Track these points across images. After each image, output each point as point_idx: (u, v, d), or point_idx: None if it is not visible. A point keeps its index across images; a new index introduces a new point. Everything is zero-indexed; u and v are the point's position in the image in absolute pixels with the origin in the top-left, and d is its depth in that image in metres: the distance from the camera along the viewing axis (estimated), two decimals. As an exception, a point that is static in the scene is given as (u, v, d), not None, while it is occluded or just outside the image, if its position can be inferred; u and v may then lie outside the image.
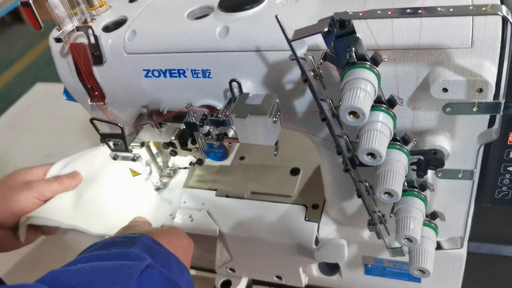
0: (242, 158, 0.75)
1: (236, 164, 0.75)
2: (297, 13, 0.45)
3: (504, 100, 0.37)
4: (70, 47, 0.53)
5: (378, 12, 0.35)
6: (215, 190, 0.70)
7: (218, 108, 0.51)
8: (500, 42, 0.38)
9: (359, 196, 0.49)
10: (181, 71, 0.50)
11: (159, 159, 0.71)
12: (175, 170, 0.73)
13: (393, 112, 0.41)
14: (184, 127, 0.62)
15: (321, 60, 0.40)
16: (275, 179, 0.70)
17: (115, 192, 0.69)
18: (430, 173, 0.47)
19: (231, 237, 0.65)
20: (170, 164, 0.73)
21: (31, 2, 0.50)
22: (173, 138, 0.64)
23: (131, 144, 0.58)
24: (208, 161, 0.70)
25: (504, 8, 0.33)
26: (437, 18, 0.39)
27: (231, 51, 0.47)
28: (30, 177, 0.66)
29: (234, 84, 0.47)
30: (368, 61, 0.38)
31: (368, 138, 0.39)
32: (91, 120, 0.55)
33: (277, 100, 0.45)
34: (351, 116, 0.36)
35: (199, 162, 0.68)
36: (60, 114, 1.17)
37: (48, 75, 2.73)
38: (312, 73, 0.41)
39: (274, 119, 0.44)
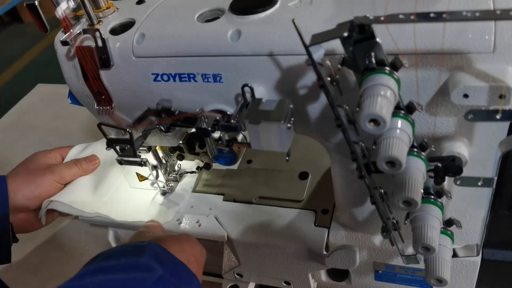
0: (249, 161, 0.74)
1: (243, 168, 0.73)
2: (311, 16, 0.44)
3: (528, 107, 0.36)
4: (77, 50, 0.52)
5: (400, 16, 0.34)
6: (223, 194, 0.69)
7: (228, 113, 0.50)
8: (524, 47, 0.37)
9: (373, 202, 0.47)
10: (191, 75, 0.49)
11: (165, 163, 0.70)
12: (181, 174, 0.72)
13: (411, 119, 0.40)
14: (192, 131, 0.61)
15: (339, 65, 0.39)
16: (283, 184, 0.68)
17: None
18: (446, 179, 0.46)
19: (239, 243, 0.64)
20: (176, 168, 0.71)
21: (37, 3, 0.48)
22: (180, 142, 0.62)
23: (138, 148, 0.57)
24: (215, 165, 0.69)
25: (532, 12, 0.31)
26: (457, 22, 0.38)
27: (243, 55, 0.46)
28: (50, 161, 0.68)
29: (247, 89, 0.46)
30: (388, 67, 0.37)
31: (387, 146, 0.37)
32: (99, 126, 0.53)
33: (291, 106, 0.44)
34: (372, 123, 0.35)
35: (207, 166, 0.67)
36: (63, 114, 1.15)
37: (48, 75, 2.72)
38: (328, 79, 0.39)
39: (288, 125, 0.43)
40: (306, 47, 0.37)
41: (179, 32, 0.49)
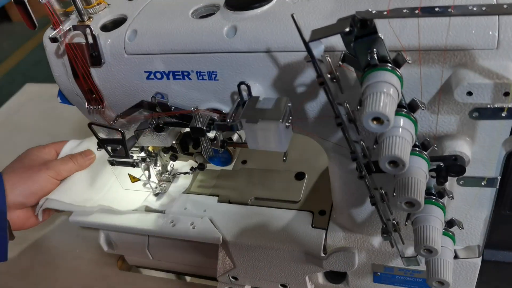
0: (244, 162, 0.73)
1: (238, 168, 0.72)
2: (310, 11, 0.43)
3: (534, 105, 0.35)
4: (66, 47, 0.50)
5: (404, 11, 0.33)
6: (217, 196, 0.67)
7: (224, 112, 0.48)
8: (529, 43, 0.36)
9: (373, 203, 0.46)
10: (186, 73, 0.47)
11: (158, 163, 0.68)
12: (174, 175, 0.70)
13: (414, 117, 0.39)
14: (186, 130, 0.60)
15: (339, 62, 0.38)
16: (279, 184, 0.67)
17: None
18: (448, 179, 0.45)
19: (234, 245, 0.62)
20: (169, 168, 0.70)
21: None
22: (174, 142, 0.61)
23: (131, 149, 0.55)
24: (209, 166, 0.67)
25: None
26: (460, 17, 0.37)
27: (239, 52, 0.45)
28: (45, 156, 0.68)
29: (243, 87, 0.45)
30: (390, 63, 0.36)
31: (389, 145, 0.36)
32: (90, 125, 0.52)
33: (289, 104, 0.42)
34: (375, 122, 0.34)
35: (201, 167, 0.65)
36: (53, 114, 1.13)
37: (37, 75, 2.69)
38: (328, 76, 0.38)
39: (286, 124, 0.42)
40: (306, 43, 0.36)
41: (172, 28, 0.47)
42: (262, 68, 0.45)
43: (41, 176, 0.64)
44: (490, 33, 0.37)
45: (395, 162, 0.36)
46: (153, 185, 0.68)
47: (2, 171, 0.64)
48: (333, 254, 0.56)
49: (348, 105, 0.39)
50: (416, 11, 0.32)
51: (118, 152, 0.54)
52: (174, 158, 0.66)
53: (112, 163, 0.60)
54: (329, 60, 0.38)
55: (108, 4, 0.53)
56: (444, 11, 0.32)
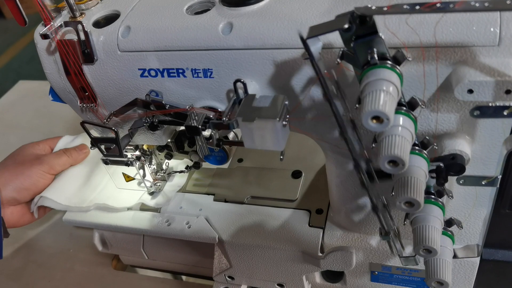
0: (240, 160, 0.72)
1: (234, 167, 0.71)
2: (307, 8, 0.42)
3: (537, 103, 0.34)
4: (58, 44, 0.49)
5: (404, 7, 0.32)
6: (213, 194, 0.66)
7: (220, 110, 0.48)
8: (531, 39, 0.35)
9: (375, 212, 0.45)
10: (180, 71, 0.46)
11: (153, 162, 0.67)
12: (170, 174, 0.69)
13: (414, 115, 0.38)
14: (181, 129, 0.59)
15: (338, 60, 0.37)
16: (276, 183, 0.66)
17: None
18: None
19: (230, 244, 0.61)
20: (164, 167, 0.69)
21: (15, -5, 0.45)
22: (169, 140, 0.60)
23: (125, 148, 0.54)
24: (205, 164, 0.66)
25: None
26: (461, 14, 0.36)
27: (235, 49, 0.44)
28: (38, 152, 0.67)
29: (239, 84, 0.44)
30: (390, 61, 0.35)
31: (389, 144, 0.35)
32: (82, 124, 0.51)
33: (286, 102, 0.41)
34: (374, 121, 0.33)
35: (196, 165, 0.64)
36: (46, 112, 1.12)
37: (30, 72, 2.66)
38: (326, 73, 0.37)
39: (283, 122, 0.41)
40: (304, 40, 0.35)
41: (167, 24, 0.46)
42: (258, 65, 0.44)
43: (33, 171, 0.63)
44: (492, 29, 0.36)
45: (395, 162, 0.35)
46: (148, 184, 0.67)
47: None
48: (331, 254, 0.56)
49: (346, 104, 0.39)
50: (417, 7, 0.31)
51: (112, 151, 0.53)
52: (169, 156, 0.65)
53: (106, 162, 0.59)
54: (328, 57, 0.37)
55: (101, 0, 0.52)
56: (445, 7, 0.31)
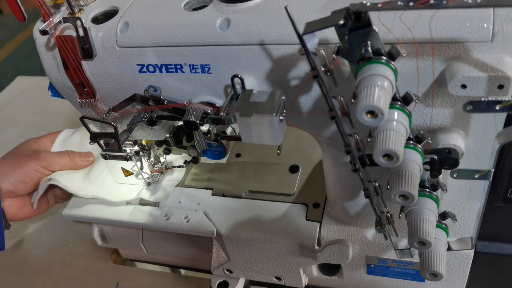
0: (238, 155, 0.73)
1: (232, 161, 0.72)
2: (304, 3, 0.42)
3: (528, 98, 0.35)
4: (57, 39, 0.49)
5: (399, 3, 0.32)
6: (211, 189, 0.67)
7: (217, 105, 0.48)
8: (523, 35, 0.35)
9: (367, 196, 0.46)
10: (178, 66, 0.47)
11: (151, 156, 0.68)
12: (167, 168, 0.70)
13: (408, 110, 0.39)
14: (179, 124, 0.59)
15: (334, 55, 0.37)
16: (273, 177, 0.67)
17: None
18: (442, 172, 0.45)
19: (228, 238, 0.62)
20: (162, 160, 0.69)
21: (14, -10, 0.46)
22: (167, 135, 0.60)
23: (124, 142, 0.55)
24: (203, 159, 0.67)
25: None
26: (455, 10, 0.37)
27: (232, 45, 0.44)
28: (39, 147, 0.68)
29: (237, 80, 0.44)
30: (385, 56, 0.36)
31: (383, 138, 0.36)
32: (81, 119, 0.51)
33: (283, 97, 0.42)
34: (369, 115, 0.34)
35: (194, 160, 0.65)
36: (44, 107, 1.12)
37: (28, 67, 2.66)
38: (322, 69, 0.38)
39: (280, 117, 0.41)
40: (300, 36, 0.36)
41: (165, 21, 0.47)
42: (255, 61, 0.44)
43: (29, 165, 0.63)
44: (485, 25, 0.37)
45: (389, 156, 0.36)
46: (145, 176, 0.67)
47: None
48: (327, 247, 0.56)
49: (342, 99, 0.39)
50: (411, 3, 0.32)
51: (111, 146, 0.54)
52: (167, 151, 0.66)
53: (105, 157, 0.59)
54: (323, 53, 0.37)
55: (99, -4, 0.53)
56: (439, 3, 0.31)
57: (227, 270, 0.68)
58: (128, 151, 0.61)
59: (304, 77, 0.43)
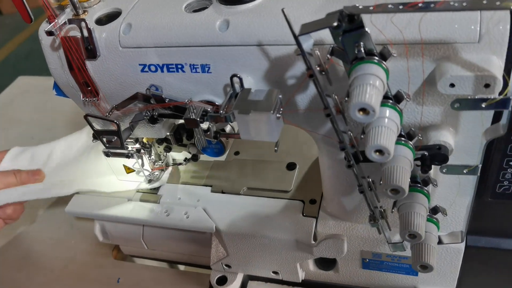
0: (237, 153, 0.74)
1: (231, 159, 0.74)
2: (301, 6, 0.44)
3: (512, 96, 0.37)
4: (62, 40, 0.51)
5: (389, 6, 0.34)
6: (210, 186, 0.69)
7: (217, 103, 0.50)
8: (508, 36, 0.37)
9: (361, 191, 0.48)
10: (179, 66, 0.49)
11: (152, 153, 0.69)
12: (168, 165, 0.71)
13: (399, 108, 0.40)
14: (179, 122, 0.61)
15: (328, 55, 0.39)
16: (271, 174, 0.69)
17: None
18: (432, 168, 0.46)
19: (227, 234, 0.64)
20: (162, 157, 0.71)
21: (21, -8, 0.47)
22: (168, 133, 0.62)
23: (126, 140, 0.57)
24: (202, 157, 0.68)
25: (517, 2, 0.32)
26: (444, 12, 0.39)
27: (231, 45, 0.46)
28: None
29: (235, 79, 0.46)
30: (377, 56, 0.37)
31: (375, 134, 0.38)
32: (86, 117, 0.53)
33: (280, 96, 0.44)
34: (361, 112, 0.35)
35: (194, 158, 0.66)
36: (46, 107, 1.14)
37: (28, 67, 2.67)
38: (318, 68, 0.40)
39: (277, 115, 0.43)
40: (296, 37, 0.37)
41: (166, 22, 0.48)
42: (254, 61, 0.46)
43: None
44: (472, 27, 0.38)
45: (381, 151, 0.38)
46: (146, 173, 0.69)
47: None
48: (323, 241, 0.58)
49: (336, 97, 0.41)
50: (401, 7, 0.34)
51: (113, 143, 0.56)
52: (168, 149, 0.67)
53: (107, 155, 0.61)
54: (318, 53, 0.39)
55: (103, -2, 0.54)
56: (427, 7, 0.33)
57: (226, 265, 0.69)
58: (129, 148, 0.62)
59: (300, 76, 0.45)
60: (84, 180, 0.69)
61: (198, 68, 0.48)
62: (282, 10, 0.37)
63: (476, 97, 0.38)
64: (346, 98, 0.39)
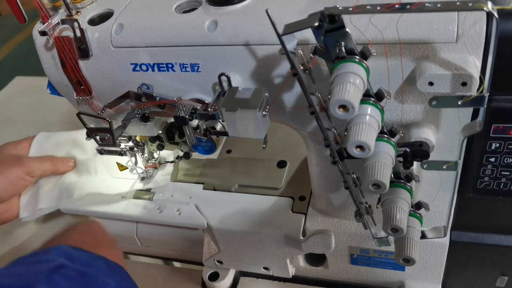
0: (229, 151, 0.76)
1: (223, 157, 0.75)
2: (286, 7, 0.45)
3: (488, 94, 0.38)
4: (55, 40, 0.52)
5: (368, 7, 0.35)
6: (203, 183, 0.70)
7: (206, 102, 0.51)
8: (484, 37, 0.39)
9: (347, 187, 0.49)
10: (170, 65, 0.50)
11: (145, 151, 0.71)
12: (161, 163, 0.73)
13: (381, 105, 0.42)
14: (171, 121, 0.62)
15: (311, 55, 0.41)
16: (262, 172, 0.70)
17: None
18: (415, 164, 0.48)
19: (218, 230, 0.65)
20: (155, 155, 0.72)
21: (15, -7, 0.49)
22: (160, 132, 0.63)
23: (118, 138, 0.58)
24: (195, 155, 0.70)
25: (489, 3, 0.34)
26: (423, 13, 0.40)
27: (220, 45, 0.47)
28: (20, 152, 0.68)
29: (223, 78, 0.47)
30: (357, 55, 0.39)
31: (356, 131, 0.39)
32: (78, 115, 0.54)
33: (266, 94, 0.45)
34: (341, 109, 0.37)
35: (186, 156, 0.68)
36: (42, 107, 1.15)
37: (25, 68, 2.68)
38: (301, 67, 0.41)
39: (263, 112, 0.44)
40: (279, 36, 0.39)
41: (157, 22, 0.50)
42: (241, 60, 0.47)
43: (12, 172, 0.64)
44: (450, 28, 0.40)
45: (362, 147, 0.39)
46: (140, 171, 0.70)
47: None
48: (311, 237, 0.60)
49: (320, 95, 0.42)
50: (378, 8, 0.35)
51: (106, 141, 0.57)
52: (161, 147, 0.69)
53: (100, 152, 0.62)
54: (301, 52, 0.40)
55: (95, -1, 0.56)
56: (403, 8, 0.35)
57: (218, 261, 0.71)
58: (122, 146, 0.63)
59: (286, 75, 0.46)
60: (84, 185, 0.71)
61: (187, 67, 0.50)
62: (266, 11, 0.38)
63: (453, 95, 0.39)
64: (329, 96, 0.41)
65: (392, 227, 0.45)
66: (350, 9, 0.36)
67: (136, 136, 0.66)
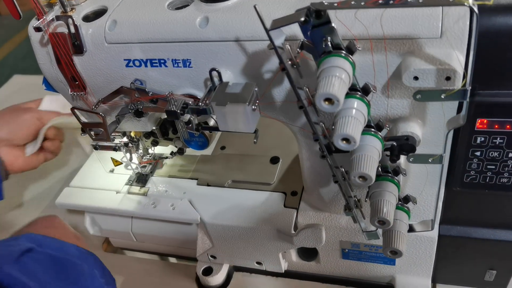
0: (223, 147, 0.77)
1: (217, 153, 0.76)
2: (275, 3, 0.46)
3: (470, 88, 0.39)
4: (50, 36, 0.53)
5: (352, 2, 0.36)
6: (196, 179, 0.71)
7: (198, 97, 0.52)
8: (468, 32, 0.40)
9: (336, 181, 0.50)
10: (162, 61, 0.51)
11: (139, 147, 0.72)
12: (155, 159, 0.74)
13: (367, 100, 0.43)
14: (165, 117, 0.63)
15: (298, 49, 0.42)
16: (255, 168, 0.71)
17: None
18: (402, 158, 0.49)
19: (212, 225, 0.66)
20: (150, 151, 0.73)
21: (10, -10, 0.50)
22: (154, 127, 0.64)
23: (113, 133, 0.59)
24: (189, 151, 0.71)
25: (470, -1, 0.34)
26: (408, 9, 0.41)
27: (211, 41, 0.48)
28: (28, 106, 0.76)
29: (214, 73, 0.48)
30: (343, 50, 0.40)
31: (343, 124, 0.40)
32: (72, 110, 0.55)
33: (256, 89, 0.46)
34: (327, 102, 0.38)
35: (180, 151, 0.69)
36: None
37: (25, 68, 2.69)
38: (289, 62, 0.42)
39: (253, 107, 0.45)
40: (267, 31, 0.40)
41: (150, 19, 0.51)
42: (232, 56, 0.48)
43: (26, 115, 0.71)
44: (434, 23, 0.41)
45: (348, 139, 0.40)
46: (134, 166, 0.71)
47: None
48: (302, 231, 0.60)
49: (308, 89, 0.43)
50: (362, 3, 0.36)
51: (100, 136, 0.58)
52: (155, 143, 0.70)
53: (95, 147, 0.63)
54: (289, 47, 0.41)
55: (90, -4, 0.57)
56: (386, 3, 0.36)
57: (212, 256, 0.72)
58: (117, 141, 0.64)
59: (275, 70, 0.47)
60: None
61: (179, 62, 0.50)
62: (254, 6, 0.39)
63: (436, 89, 0.40)
64: (316, 90, 0.42)
65: (379, 219, 0.46)
66: (336, 4, 0.37)
67: (130, 132, 0.67)
